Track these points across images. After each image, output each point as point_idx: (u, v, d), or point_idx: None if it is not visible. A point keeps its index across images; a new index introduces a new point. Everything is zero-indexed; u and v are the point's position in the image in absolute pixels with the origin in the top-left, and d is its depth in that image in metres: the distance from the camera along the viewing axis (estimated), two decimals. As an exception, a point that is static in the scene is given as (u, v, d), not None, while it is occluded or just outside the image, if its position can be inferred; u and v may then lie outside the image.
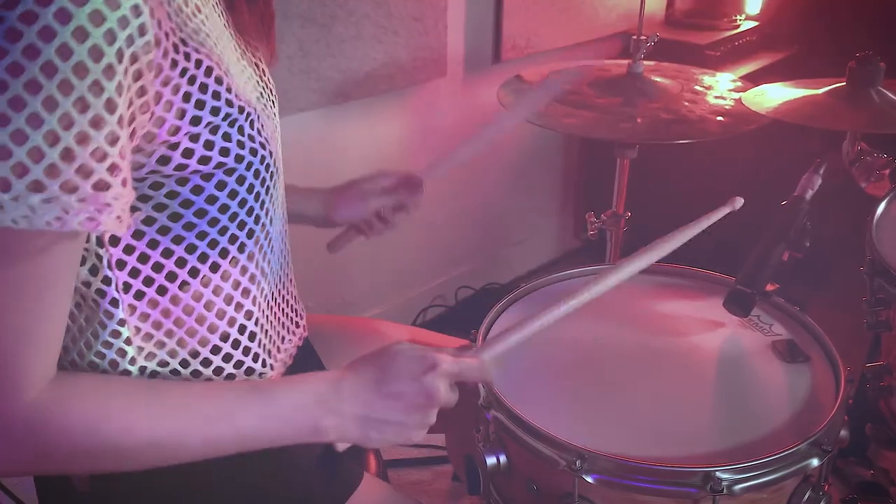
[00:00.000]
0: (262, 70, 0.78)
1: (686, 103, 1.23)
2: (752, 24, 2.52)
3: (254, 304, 0.76)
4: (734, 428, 0.86)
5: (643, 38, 1.24)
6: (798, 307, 1.01)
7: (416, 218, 1.38)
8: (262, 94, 0.75)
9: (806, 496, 0.84)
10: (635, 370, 0.96)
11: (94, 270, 0.65)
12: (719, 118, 1.18)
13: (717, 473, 0.77)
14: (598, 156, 1.82)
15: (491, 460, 0.91)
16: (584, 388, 0.93)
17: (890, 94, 1.03)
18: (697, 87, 1.30)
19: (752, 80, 2.27)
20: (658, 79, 1.31)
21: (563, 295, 1.09)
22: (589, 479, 0.80)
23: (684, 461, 0.81)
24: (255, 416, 0.68)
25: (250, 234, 0.72)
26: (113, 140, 0.56)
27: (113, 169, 0.56)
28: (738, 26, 2.48)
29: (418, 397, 0.71)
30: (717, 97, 1.26)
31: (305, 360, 0.91)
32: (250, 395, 0.69)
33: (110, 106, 0.55)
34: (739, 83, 1.34)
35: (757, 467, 0.79)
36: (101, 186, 0.56)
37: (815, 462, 0.82)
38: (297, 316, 0.88)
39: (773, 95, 1.10)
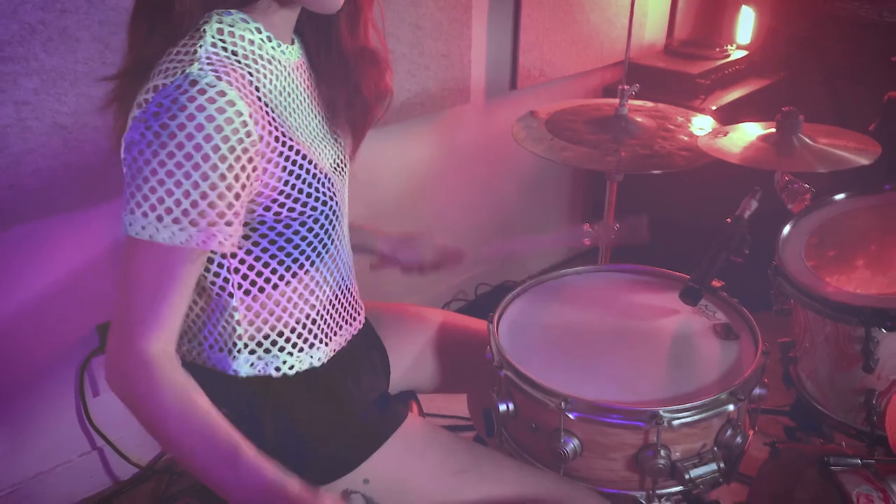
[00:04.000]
0: (342, 148, 1.12)
1: (660, 140, 1.56)
2: (742, 53, 2.84)
3: (316, 300, 1.09)
4: (677, 384, 1.19)
5: (626, 87, 1.57)
6: (737, 299, 1.34)
7: (443, 226, 1.68)
8: (337, 165, 1.11)
9: (728, 433, 1.17)
10: (609, 342, 1.29)
11: (217, 274, 1.00)
12: (684, 152, 1.51)
13: (661, 412, 1.11)
14: (597, 174, 2.18)
15: (502, 407, 1.24)
16: (571, 354, 1.27)
17: (808, 140, 1.35)
18: (671, 126, 1.63)
19: (737, 106, 2.61)
20: (639, 118, 1.64)
21: (559, 289, 1.43)
22: (571, 416, 1.14)
23: (639, 404, 1.14)
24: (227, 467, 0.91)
25: (318, 255, 1.06)
26: (236, 197, 0.90)
27: (233, 217, 0.91)
28: (729, 56, 2.79)
29: None
30: (683, 136, 1.59)
31: (368, 337, 1.25)
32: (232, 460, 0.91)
33: (237, 177, 0.89)
34: (706, 128, 1.66)
35: (688, 409, 1.12)
36: (227, 223, 0.90)
37: (731, 407, 1.15)
38: (355, 311, 1.21)
39: (724, 138, 1.42)
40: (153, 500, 1.97)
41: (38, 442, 1.86)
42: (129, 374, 0.90)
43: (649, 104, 1.75)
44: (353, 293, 1.20)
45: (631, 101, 1.66)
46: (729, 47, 2.83)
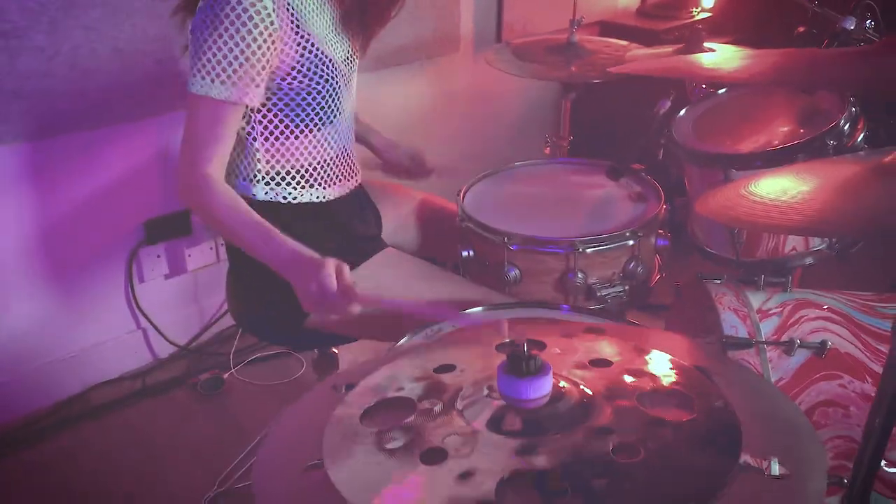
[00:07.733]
0: (351, 45, 1.49)
1: (602, 60, 1.94)
2: (706, 15, 3.19)
3: (323, 154, 1.46)
4: (593, 227, 1.56)
5: (576, 18, 1.95)
6: (650, 177, 1.71)
7: (438, 158, 2.07)
8: (347, 58, 1.47)
9: (632, 265, 1.53)
10: (547, 204, 1.67)
11: (247, 124, 1.38)
12: (615, 68, 1.89)
13: (577, 241, 1.48)
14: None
15: (464, 253, 1.61)
16: (516, 211, 1.64)
17: (710, 50, 1.73)
18: (613, 52, 2.00)
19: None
20: (588, 46, 2.02)
21: (514, 174, 1.80)
22: (513, 248, 1.51)
23: (563, 237, 1.51)
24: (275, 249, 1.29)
25: (322, 121, 1.42)
26: (263, 67, 1.28)
27: (260, 81, 1.29)
28: (694, 17, 3.15)
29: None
30: (619, 57, 1.97)
31: (363, 198, 1.63)
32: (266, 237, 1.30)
33: (262, 52, 1.27)
34: (637, 51, 2.04)
35: (598, 240, 1.49)
36: (256, 85, 1.29)
37: (631, 242, 1.52)
38: (351, 172, 1.57)
39: (647, 51, 1.79)
40: (187, 373, 2.37)
41: (94, 317, 2.25)
42: (196, 186, 1.30)
43: (606, 39, 2.15)
44: (352, 159, 1.58)
45: (592, 38, 2.04)
46: (694, 10, 3.19)
